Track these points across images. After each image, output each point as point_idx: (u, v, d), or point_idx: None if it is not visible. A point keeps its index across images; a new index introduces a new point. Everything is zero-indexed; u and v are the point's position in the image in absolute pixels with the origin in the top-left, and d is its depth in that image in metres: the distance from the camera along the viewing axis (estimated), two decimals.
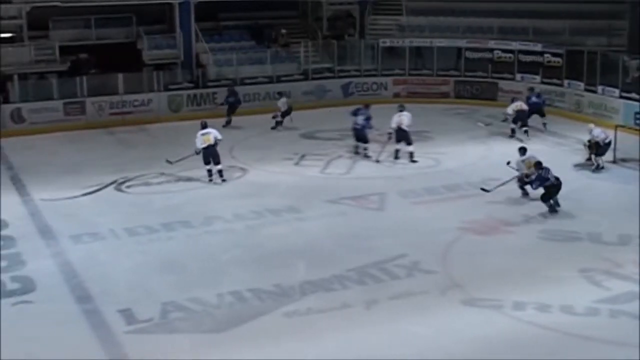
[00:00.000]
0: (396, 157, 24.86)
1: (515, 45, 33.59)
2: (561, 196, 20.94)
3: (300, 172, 24.22)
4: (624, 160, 23.94)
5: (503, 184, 20.60)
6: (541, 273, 16.28)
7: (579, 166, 23.95)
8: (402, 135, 24.89)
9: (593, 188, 22.23)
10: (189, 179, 23.25)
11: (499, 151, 25.84)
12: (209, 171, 22.96)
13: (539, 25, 34.70)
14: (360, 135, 25.43)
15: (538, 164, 20.05)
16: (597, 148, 23.48)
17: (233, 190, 22.46)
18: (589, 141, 23.68)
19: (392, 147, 25.07)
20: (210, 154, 22.85)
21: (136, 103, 30.78)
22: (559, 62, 32.30)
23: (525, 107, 27.68)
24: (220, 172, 23.02)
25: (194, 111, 31.07)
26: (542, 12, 35.05)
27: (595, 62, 30.47)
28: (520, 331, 13.97)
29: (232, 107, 30.07)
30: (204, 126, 23.33)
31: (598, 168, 23.44)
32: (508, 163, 20.98)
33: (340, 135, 28.11)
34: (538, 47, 33.06)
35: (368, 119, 25.56)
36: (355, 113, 25.83)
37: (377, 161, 24.83)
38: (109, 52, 31.77)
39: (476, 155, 25.47)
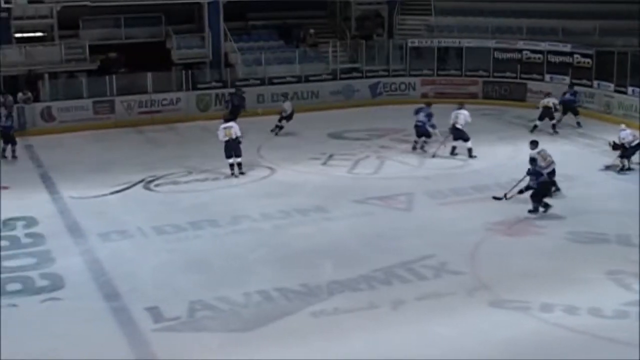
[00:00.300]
0: (452, 154, 25.15)
1: (544, 46, 33.46)
2: (590, 198, 20.90)
3: (328, 172, 24.22)
4: None
5: (516, 186, 20.26)
6: (569, 275, 16.18)
7: (608, 167, 23.78)
8: (456, 134, 25.24)
9: (621, 190, 22.08)
10: (216, 178, 23.32)
11: (527, 151, 25.70)
12: (231, 165, 23.31)
13: (568, 25, 34.54)
14: (422, 131, 25.79)
15: (532, 160, 20.07)
16: (623, 150, 23.32)
17: (260, 189, 22.51)
18: (614, 142, 23.52)
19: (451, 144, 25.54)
20: (231, 148, 23.20)
21: (165, 102, 30.92)
22: (588, 62, 32.12)
23: (552, 104, 27.74)
24: (239, 164, 23.36)
25: (222, 110, 31.03)
26: (572, 12, 34.94)
27: (625, 62, 30.31)
28: (547, 333, 13.90)
29: (235, 110, 29.33)
30: (227, 120, 23.82)
31: (623, 169, 23.29)
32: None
33: (368, 135, 28.16)
34: (567, 48, 32.90)
35: (429, 115, 25.80)
36: (417, 111, 26.15)
37: (433, 156, 25.21)
38: (138, 51, 31.93)
39: (504, 156, 25.38)
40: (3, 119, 26.08)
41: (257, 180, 23.27)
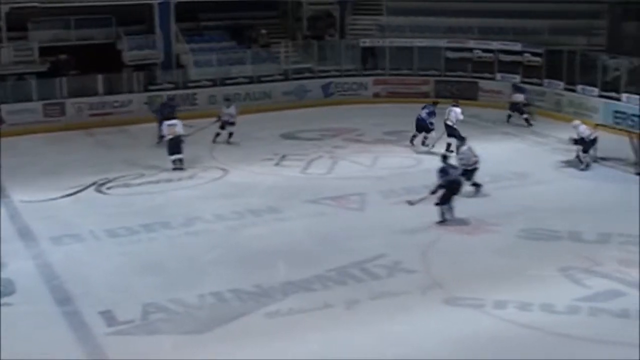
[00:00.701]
0: (447, 150, 24.91)
1: (495, 45, 33.73)
2: (542, 195, 21.12)
3: (281, 173, 24.20)
4: (604, 159, 24.05)
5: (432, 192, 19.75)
6: (522, 272, 16.32)
7: (565, 163, 24.04)
8: (448, 130, 25.73)
9: (573, 187, 22.35)
10: (169, 180, 23.21)
11: (478, 151, 25.90)
12: (174, 161, 23.92)
13: (518, 25, 34.89)
14: (420, 126, 26.20)
15: (444, 157, 20.16)
16: (583, 144, 23.59)
17: (214, 190, 22.43)
18: (575, 139, 23.78)
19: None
20: (175, 145, 23.98)
21: (116, 104, 30.69)
22: (538, 61, 32.44)
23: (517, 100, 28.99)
24: (180, 160, 23.96)
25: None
26: (522, 11, 35.24)
27: (574, 61, 30.68)
28: (501, 330, 14.00)
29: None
30: (170, 118, 24.74)
31: (588, 166, 23.55)
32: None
33: (320, 135, 28.19)
34: (518, 47, 33.21)
35: (431, 113, 26.15)
36: (422, 108, 26.53)
37: (431, 152, 25.54)
38: (88, 53, 31.64)
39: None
40: None
41: (211, 182, 23.19)
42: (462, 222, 19.33)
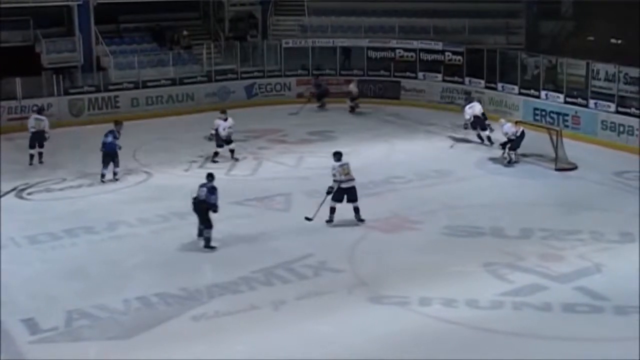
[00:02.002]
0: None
1: (416, 44, 33.99)
2: (464, 192, 21.41)
3: (205, 175, 24.00)
4: (524, 155, 24.42)
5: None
6: (446, 268, 16.51)
7: (492, 160, 24.34)
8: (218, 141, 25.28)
9: (495, 183, 22.67)
10: (91, 184, 22.92)
11: (402, 149, 26.22)
12: (32, 156, 24.64)
13: (439, 24, 35.29)
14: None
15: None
16: (511, 142, 23.92)
17: (137, 194, 22.21)
18: (505, 142, 24.09)
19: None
20: (37, 139, 24.85)
21: (35, 108, 29.98)
22: (459, 60, 32.81)
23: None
24: (40, 154, 24.89)
25: (95, 115, 30.64)
26: (442, 11, 35.68)
27: (494, 60, 31.10)
28: (426, 326, 14.14)
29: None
30: (40, 112, 25.55)
31: (511, 162, 23.89)
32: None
33: (244, 136, 28.06)
34: (439, 46, 33.52)
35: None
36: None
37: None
38: (5, 55, 31.01)
39: (379, 154, 25.70)
40: None
41: (134, 185, 22.96)
42: (386, 220, 19.44)
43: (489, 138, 26.48)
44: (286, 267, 16.69)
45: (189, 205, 20.28)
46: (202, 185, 17.85)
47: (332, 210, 19.16)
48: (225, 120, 25.11)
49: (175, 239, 18.63)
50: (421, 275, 16.16)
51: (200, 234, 18.01)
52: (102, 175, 23.00)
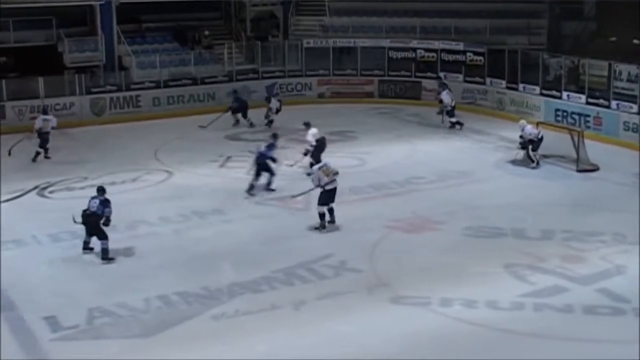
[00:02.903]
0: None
1: (437, 45, 33.95)
2: (485, 193, 21.34)
3: (226, 174, 24.11)
4: (545, 156, 24.32)
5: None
6: (467, 269, 16.47)
7: (516, 161, 24.26)
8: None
9: (516, 184, 22.57)
10: (112, 183, 22.98)
11: (423, 150, 26.17)
12: (38, 154, 25.29)
13: (460, 24, 35.17)
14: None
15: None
16: (531, 144, 23.84)
17: (158, 193, 22.27)
18: (522, 140, 24.01)
19: None
20: (45, 139, 25.23)
21: (58, 107, 30.26)
22: (480, 60, 32.73)
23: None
24: (40, 153, 25.33)
25: (117, 114, 30.75)
26: (464, 11, 35.56)
27: (516, 60, 31.02)
28: (447, 327, 14.11)
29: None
30: (46, 112, 25.89)
31: (538, 164, 23.80)
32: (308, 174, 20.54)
33: (265, 137, 28.02)
34: (460, 47, 33.46)
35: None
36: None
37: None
38: (29, 55, 31.25)
39: (401, 154, 25.66)
40: None
41: (155, 184, 23.03)
42: (407, 221, 19.42)
43: (459, 123, 28.77)
44: (307, 266, 16.69)
45: (209, 205, 20.45)
46: (93, 198, 17.36)
47: (322, 216, 18.91)
48: None
49: (196, 238, 18.69)
50: (442, 275, 16.13)
51: (85, 247, 17.51)
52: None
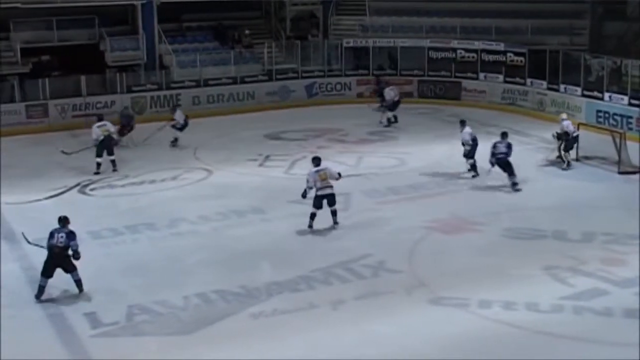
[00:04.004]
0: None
1: (478, 45, 33.79)
2: (526, 194, 21.23)
3: (265, 173, 24.17)
4: (587, 157, 24.14)
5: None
6: (506, 271, 16.38)
7: (548, 162, 24.13)
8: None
9: (557, 186, 22.42)
10: (153, 181, 23.16)
11: (462, 150, 26.00)
12: (99, 164, 23.86)
13: (501, 24, 34.95)
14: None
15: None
16: (565, 140, 23.65)
17: (197, 191, 22.39)
18: (558, 133, 23.86)
19: None
20: (105, 146, 24.06)
21: (99, 105, 30.51)
22: (521, 61, 32.54)
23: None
24: (113, 162, 24.16)
25: (157, 113, 30.93)
26: (504, 11, 35.36)
27: (557, 61, 30.80)
28: (486, 329, 14.04)
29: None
30: (101, 119, 24.69)
31: (569, 165, 23.64)
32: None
33: (304, 135, 28.20)
34: (501, 47, 33.28)
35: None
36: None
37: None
38: (71, 53, 31.54)
39: (441, 155, 25.57)
40: None
41: (194, 183, 23.15)
42: (446, 221, 19.37)
43: (395, 117, 29.73)
44: (345, 266, 16.69)
45: (248, 204, 20.51)
46: (56, 232, 15.61)
47: (312, 216, 18.89)
48: None
49: (234, 236, 18.77)
50: (481, 277, 16.06)
51: (41, 292, 15.41)
52: None
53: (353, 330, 14.04)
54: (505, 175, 21.79)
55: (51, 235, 15.59)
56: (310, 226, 18.96)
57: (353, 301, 15.20)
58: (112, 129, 24.64)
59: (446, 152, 25.93)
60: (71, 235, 15.62)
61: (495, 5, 35.64)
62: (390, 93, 29.98)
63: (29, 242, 16.33)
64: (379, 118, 30.09)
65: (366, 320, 14.38)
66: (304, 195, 19.04)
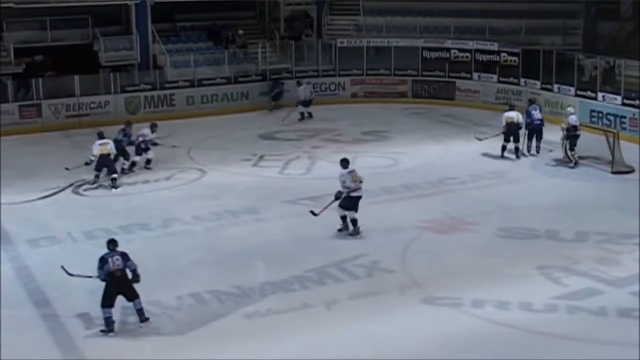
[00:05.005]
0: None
1: (472, 45, 33.78)
2: (519, 194, 21.25)
3: (259, 173, 24.17)
4: (580, 157, 24.14)
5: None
6: (500, 270, 16.41)
7: (555, 162, 24.15)
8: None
9: (550, 185, 22.45)
10: (146, 181, 23.14)
11: (456, 150, 26.09)
12: (97, 176, 22.85)
13: (495, 24, 34.96)
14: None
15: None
16: (570, 137, 23.64)
17: (191, 191, 22.37)
18: (566, 127, 23.87)
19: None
20: (104, 164, 22.77)
21: (93, 105, 30.49)
22: (515, 61, 32.55)
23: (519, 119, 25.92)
24: (114, 179, 22.72)
25: (151, 113, 30.85)
26: (498, 11, 35.38)
27: (551, 60, 30.79)
28: (479, 329, 14.06)
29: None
30: (101, 137, 23.17)
31: (576, 164, 23.66)
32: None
33: (299, 135, 28.19)
34: (494, 47, 33.28)
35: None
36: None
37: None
38: (64, 53, 31.46)
39: (434, 155, 25.59)
40: None
41: (188, 183, 23.14)
42: (440, 221, 19.38)
43: (309, 114, 30.85)
44: (339, 266, 16.70)
45: (242, 204, 20.52)
46: (109, 256, 14.53)
47: (344, 218, 18.74)
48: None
49: (228, 236, 18.78)
50: (475, 276, 16.08)
51: (109, 327, 14.14)
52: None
53: (347, 330, 14.05)
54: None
55: (104, 261, 14.39)
56: (347, 227, 18.67)
57: (347, 301, 15.21)
58: (113, 150, 23.08)
59: (440, 152, 25.97)
60: (125, 256, 14.58)
61: (489, 5, 35.64)
62: (304, 92, 31.04)
63: (71, 275, 15.08)
64: (285, 116, 30.67)
65: (360, 320, 14.39)
66: (337, 197, 18.68)
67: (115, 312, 14.58)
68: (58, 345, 13.78)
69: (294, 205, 20.78)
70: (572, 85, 29.79)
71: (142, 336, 14.06)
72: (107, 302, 14.19)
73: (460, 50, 33.98)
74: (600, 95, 28.69)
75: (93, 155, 22.89)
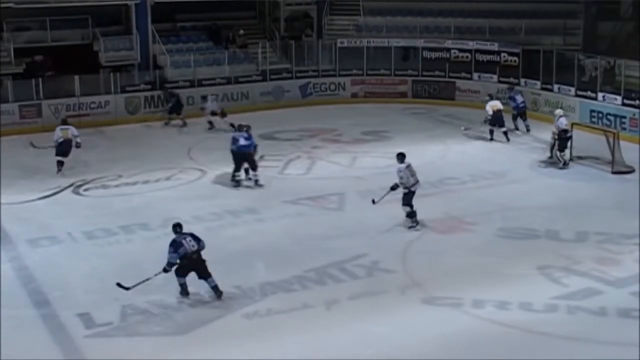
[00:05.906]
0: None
1: (472, 45, 33.80)
2: (519, 194, 21.25)
3: (259, 173, 24.11)
4: (580, 157, 24.16)
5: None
6: (500, 271, 16.41)
7: (544, 163, 24.16)
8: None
9: (550, 185, 22.45)
10: (146, 181, 23.14)
11: (456, 150, 26.09)
12: (60, 162, 23.73)
13: (495, 24, 35.00)
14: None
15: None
16: (560, 139, 23.64)
17: (191, 191, 22.37)
18: (556, 132, 23.89)
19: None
20: (64, 149, 23.79)
21: (93, 105, 30.50)
22: (515, 61, 32.57)
23: (501, 106, 27.62)
24: (60, 162, 23.77)
25: (151, 113, 30.89)
26: (498, 11, 35.41)
27: (551, 61, 30.81)
28: (479, 329, 14.07)
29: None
30: (65, 122, 24.51)
31: (566, 164, 23.66)
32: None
33: (299, 135, 28.19)
34: (495, 47, 33.30)
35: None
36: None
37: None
38: (65, 54, 31.47)
39: (435, 155, 25.58)
40: None
41: (188, 183, 23.14)
42: (440, 221, 19.38)
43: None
44: (339, 266, 16.70)
45: (242, 204, 20.51)
46: (181, 238, 15.35)
47: (411, 213, 18.92)
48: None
49: (229, 236, 18.77)
50: (475, 277, 16.07)
51: (184, 292, 15.39)
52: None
53: (347, 330, 14.05)
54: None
55: (178, 244, 15.14)
56: (417, 222, 18.91)
57: (347, 301, 15.22)
58: (75, 133, 24.15)
59: (440, 152, 25.97)
60: (195, 237, 15.37)
61: (489, 5, 35.68)
62: (212, 105, 29.67)
63: (127, 289, 15.19)
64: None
65: (360, 320, 14.38)
66: (393, 188, 18.99)
67: (115, 312, 14.64)
68: (58, 345, 13.77)
69: (294, 205, 20.79)
70: (572, 86, 29.82)
71: (142, 336, 14.06)
72: (181, 273, 15.31)
73: (461, 50, 34.01)
74: (600, 95, 28.71)
75: (54, 141, 23.78)
